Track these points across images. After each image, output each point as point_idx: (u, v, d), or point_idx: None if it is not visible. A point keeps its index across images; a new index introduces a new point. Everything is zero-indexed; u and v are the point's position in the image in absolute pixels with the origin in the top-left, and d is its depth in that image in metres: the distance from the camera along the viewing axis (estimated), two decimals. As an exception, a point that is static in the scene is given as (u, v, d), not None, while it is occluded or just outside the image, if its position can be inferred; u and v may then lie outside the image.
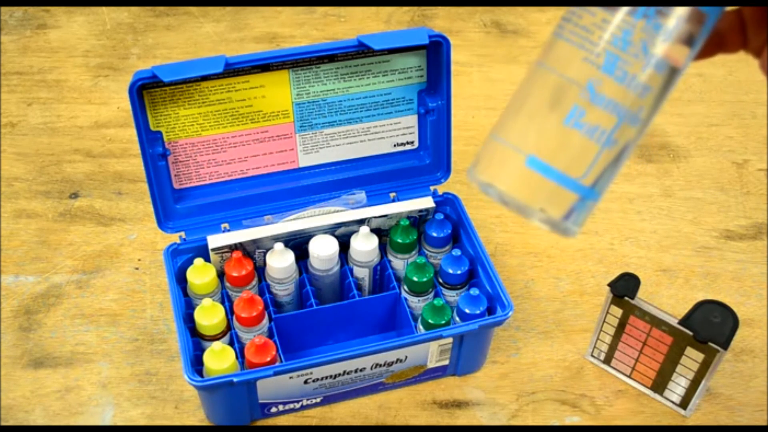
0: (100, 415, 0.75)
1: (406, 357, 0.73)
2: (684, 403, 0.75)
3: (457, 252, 0.76)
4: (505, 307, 0.73)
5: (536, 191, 0.41)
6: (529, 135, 0.41)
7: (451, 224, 0.80)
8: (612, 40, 0.39)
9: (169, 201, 0.75)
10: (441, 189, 0.82)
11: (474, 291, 0.74)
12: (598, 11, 0.40)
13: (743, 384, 0.78)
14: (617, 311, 0.74)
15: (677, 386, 0.74)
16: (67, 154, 0.98)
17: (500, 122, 0.42)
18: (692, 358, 0.71)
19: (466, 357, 0.76)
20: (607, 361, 0.78)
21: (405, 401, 0.76)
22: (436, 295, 0.77)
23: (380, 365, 0.72)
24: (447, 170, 0.81)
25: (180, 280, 0.76)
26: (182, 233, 0.76)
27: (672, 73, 0.41)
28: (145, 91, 0.70)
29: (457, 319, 0.75)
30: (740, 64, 1.12)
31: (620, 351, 0.76)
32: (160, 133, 0.73)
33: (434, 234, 0.79)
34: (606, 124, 0.40)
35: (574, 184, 0.41)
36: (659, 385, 0.76)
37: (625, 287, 0.72)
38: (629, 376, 0.78)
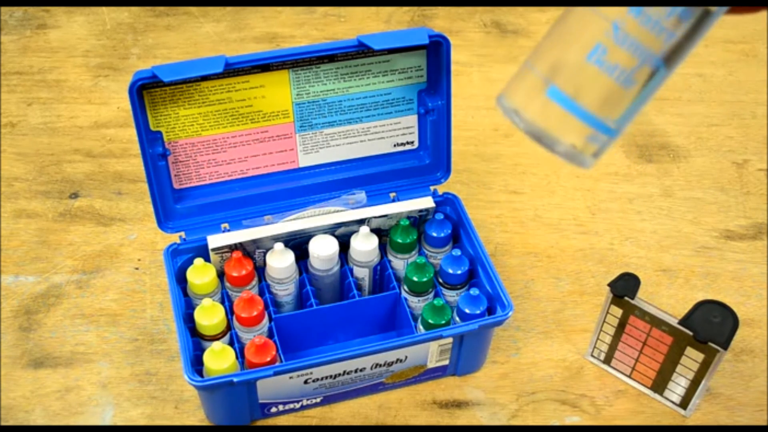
0: (100, 415, 0.75)
1: (406, 357, 0.73)
2: (684, 403, 0.75)
3: (457, 252, 0.76)
4: (505, 307, 0.73)
5: (560, 121, 0.42)
6: (554, 66, 0.43)
7: (451, 224, 0.80)
8: None
9: (169, 201, 0.75)
10: (441, 189, 0.82)
11: (474, 291, 0.74)
12: None
13: (743, 384, 0.78)
14: (617, 311, 0.74)
15: (677, 386, 0.74)
16: (67, 154, 0.98)
17: (535, 50, 0.44)
18: (692, 358, 0.71)
19: (466, 357, 0.76)
20: (607, 361, 0.78)
21: (405, 401, 0.76)
22: (436, 295, 0.77)
23: (380, 365, 0.72)
24: (447, 170, 0.81)
25: (180, 280, 0.76)
26: (182, 233, 0.76)
27: (703, 17, 0.41)
28: (145, 91, 0.70)
29: (457, 319, 0.75)
30: (740, 64, 1.12)
31: (620, 351, 0.76)
32: (160, 133, 0.73)
33: (434, 234, 0.79)
34: (627, 64, 0.42)
35: (593, 120, 0.42)
36: (659, 385, 0.76)
37: (625, 287, 0.72)
38: (629, 376, 0.78)
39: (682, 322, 0.70)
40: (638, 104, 0.43)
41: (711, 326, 0.69)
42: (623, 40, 0.41)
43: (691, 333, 0.70)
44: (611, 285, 0.73)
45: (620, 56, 0.41)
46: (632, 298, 0.72)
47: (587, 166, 0.44)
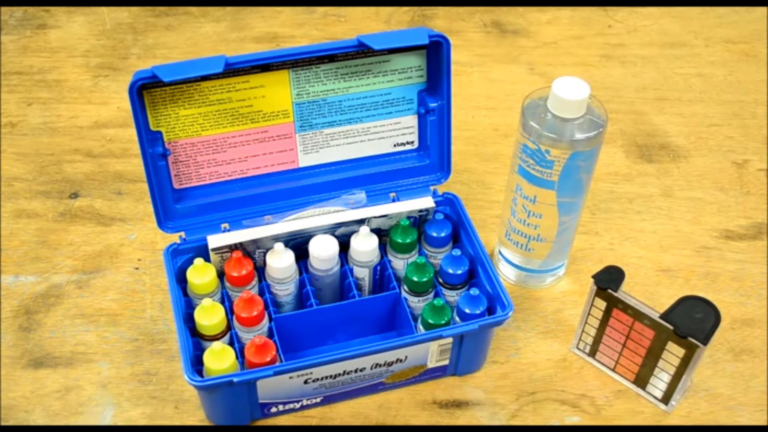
0: (100, 415, 0.75)
1: (406, 357, 0.73)
2: (665, 398, 0.75)
3: (457, 252, 0.76)
4: (505, 307, 0.73)
5: None
6: None
7: (451, 224, 0.80)
8: None
9: (169, 201, 0.75)
10: (441, 189, 0.82)
11: (474, 291, 0.74)
12: None
13: (743, 384, 0.78)
14: (601, 304, 0.74)
15: (659, 381, 0.74)
16: (67, 154, 0.98)
17: None
18: (673, 352, 0.71)
19: (466, 357, 0.76)
20: (592, 353, 0.78)
21: (405, 401, 0.76)
22: (436, 295, 0.77)
23: (380, 365, 0.72)
24: (447, 170, 0.81)
25: (180, 280, 0.76)
26: (182, 233, 0.76)
27: None
28: (145, 91, 0.70)
29: (457, 319, 0.75)
30: (740, 64, 1.12)
31: (604, 344, 0.76)
32: (160, 133, 0.73)
33: (434, 234, 0.79)
34: None
35: None
36: (642, 379, 0.76)
37: (608, 280, 0.72)
38: (613, 370, 0.78)
39: (663, 316, 0.70)
40: None
41: (692, 321, 0.69)
42: None
43: (671, 327, 0.70)
44: (595, 277, 0.73)
45: None
46: (615, 291, 0.72)
47: None
